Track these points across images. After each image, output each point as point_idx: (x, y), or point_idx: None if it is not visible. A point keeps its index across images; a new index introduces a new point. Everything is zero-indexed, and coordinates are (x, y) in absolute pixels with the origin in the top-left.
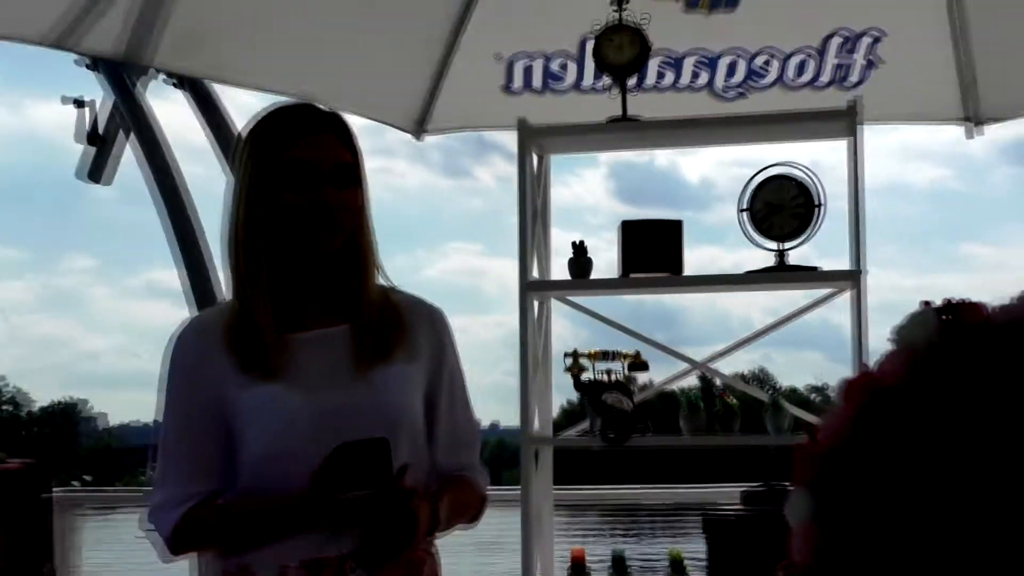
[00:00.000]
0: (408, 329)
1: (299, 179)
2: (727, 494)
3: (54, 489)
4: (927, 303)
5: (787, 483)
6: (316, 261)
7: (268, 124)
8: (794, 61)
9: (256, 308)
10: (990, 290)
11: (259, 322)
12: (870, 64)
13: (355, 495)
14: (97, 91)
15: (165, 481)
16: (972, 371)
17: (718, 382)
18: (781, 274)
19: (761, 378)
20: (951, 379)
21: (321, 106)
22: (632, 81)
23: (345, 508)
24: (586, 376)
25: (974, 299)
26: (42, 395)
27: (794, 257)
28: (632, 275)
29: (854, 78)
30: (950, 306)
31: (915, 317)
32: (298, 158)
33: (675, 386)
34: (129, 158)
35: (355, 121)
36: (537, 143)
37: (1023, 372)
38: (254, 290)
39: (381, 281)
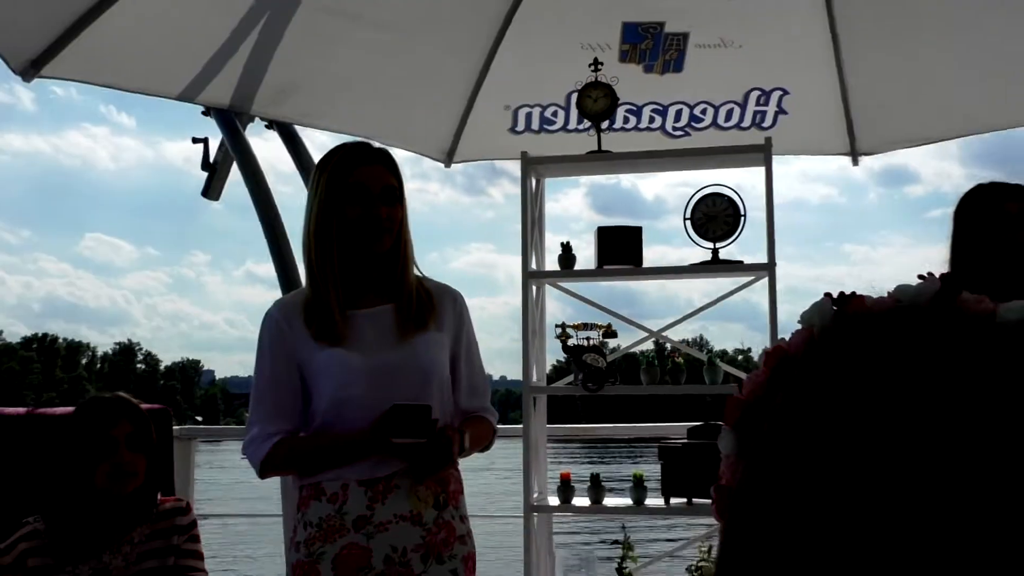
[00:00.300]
0: (437, 307)
1: (357, 198)
2: (676, 429)
3: (175, 427)
4: (828, 294)
5: (720, 422)
6: (369, 258)
7: (335, 157)
8: (724, 109)
9: (326, 292)
10: (863, 278)
11: (328, 303)
12: (779, 112)
13: (403, 441)
14: (211, 131)
15: (256, 421)
16: (850, 349)
17: (668, 346)
18: (715, 266)
19: (700, 343)
20: (834, 354)
21: (375, 143)
22: (605, 124)
23: (395, 449)
24: (571, 341)
25: (860, 292)
26: (167, 356)
27: (724, 253)
28: (605, 267)
29: (768, 122)
30: (842, 297)
31: (816, 305)
32: (356, 182)
33: (636, 349)
34: (234, 181)
35: (400, 153)
36: (535, 169)
37: (884, 351)
38: (324, 279)
39: (416, 272)
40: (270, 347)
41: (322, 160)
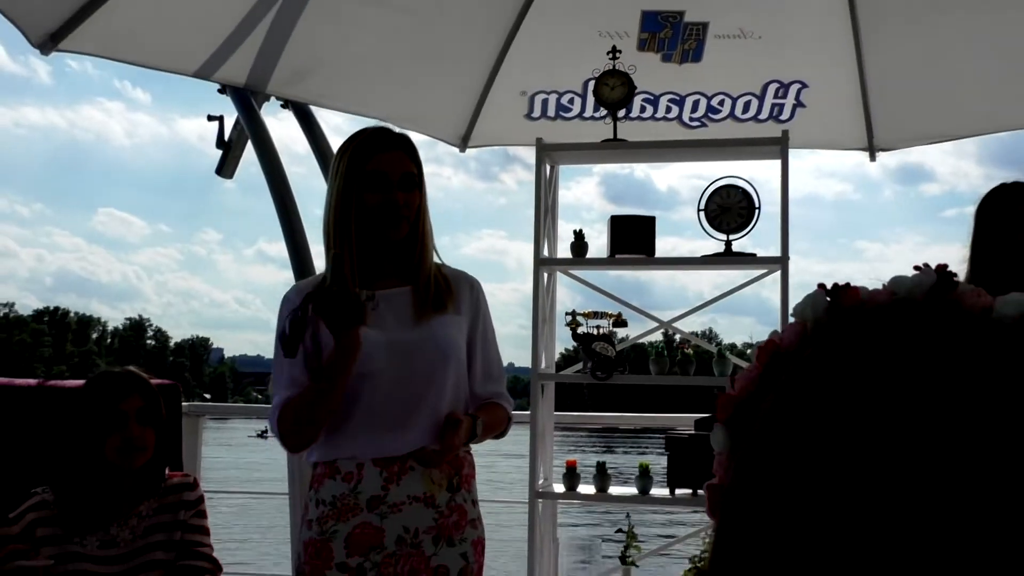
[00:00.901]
0: (455, 292)
1: (375, 184)
2: (683, 420)
3: (184, 403)
4: (822, 285)
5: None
6: (388, 243)
7: (354, 143)
8: (741, 101)
9: (349, 273)
10: (876, 274)
11: (351, 283)
12: (797, 104)
13: (329, 310)
14: (227, 109)
15: (275, 394)
16: (843, 344)
17: (678, 338)
18: (728, 258)
19: (709, 336)
20: (827, 349)
21: (394, 128)
22: (621, 113)
23: (336, 321)
24: (581, 329)
25: (856, 284)
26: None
27: (737, 247)
28: (617, 256)
29: (785, 115)
30: (835, 289)
31: (809, 297)
32: (375, 169)
33: (645, 340)
34: (248, 160)
35: (414, 137)
36: (550, 156)
37: (878, 346)
38: (342, 263)
39: (436, 259)
40: None
41: (342, 146)
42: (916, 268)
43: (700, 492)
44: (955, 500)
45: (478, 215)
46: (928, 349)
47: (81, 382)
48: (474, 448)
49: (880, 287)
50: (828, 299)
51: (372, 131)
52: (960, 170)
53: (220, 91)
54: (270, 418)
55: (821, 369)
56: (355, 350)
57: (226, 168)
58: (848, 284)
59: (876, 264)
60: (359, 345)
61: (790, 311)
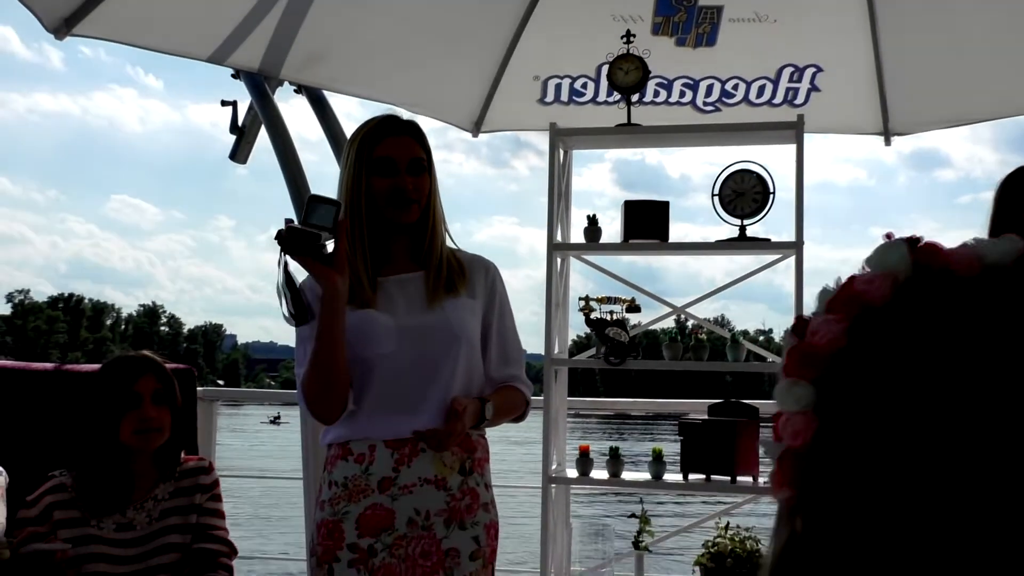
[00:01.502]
0: (468, 275)
1: (384, 169)
2: (696, 406)
3: (197, 388)
4: (904, 239)
5: (743, 400)
6: (399, 228)
7: (364, 130)
8: (756, 85)
9: (355, 260)
10: None
11: (357, 270)
12: (812, 89)
13: (306, 249)
14: (239, 94)
15: (300, 366)
16: (942, 308)
17: (690, 323)
18: (742, 243)
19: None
20: (927, 311)
21: (404, 112)
22: (635, 97)
23: (313, 258)
24: (594, 315)
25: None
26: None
27: (751, 232)
28: (631, 241)
29: (800, 99)
30: (914, 242)
31: (894, 249)
32: (383, 155)
33: (657, 326)
34: (261, 146)
35: (425, 123)
36: (563, 141)
37: (977, 312)
38: (353, 249)
39: (450, 244)
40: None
41: (353, 134)
42: (887, 236)
43: (714, 478)
44: None
45: (490, 202)
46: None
47: (97, 366)
48: (490, 434)
49: (962, 246)
50: (912, 254)
51: (381, 118)
52: (975, 156)
53: (234, 76)
54: (298, 393)
55: (926, 329)
56: (333, 292)
57: (240, 153)
58: (921, 238)
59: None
60: (335, 285)
61: (804, 296)
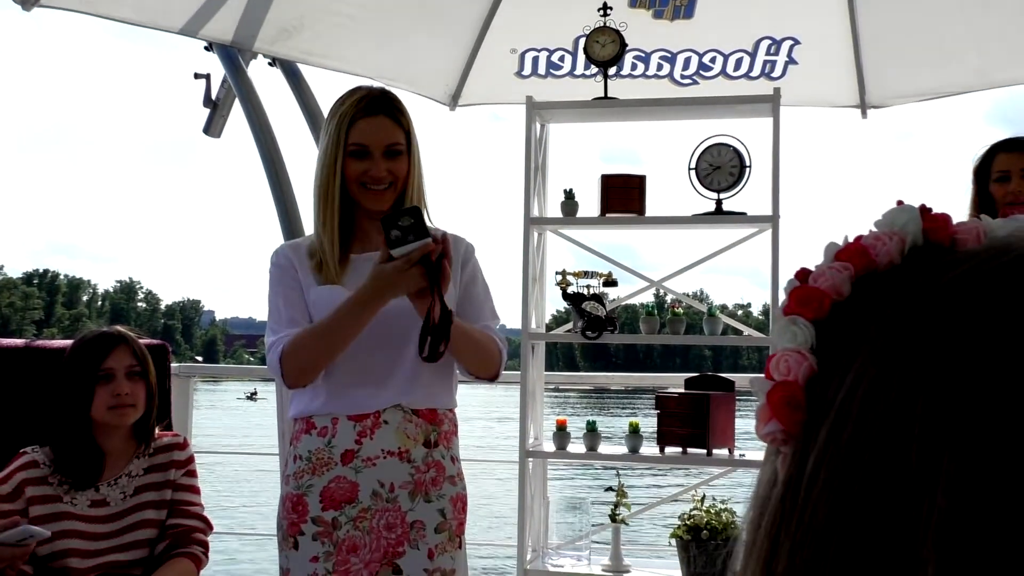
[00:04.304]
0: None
1: (357, 154)
2: (674, 379)
3: (173, 364)
4: (920, 207)
5: (719, 373)
6: (373, 212)
7: (339, 109)
8: (733, 58)
9: (327, 238)
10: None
11: (329, 247)
12: (789, 62)
13: (406, 250)
14: (214, 67)
15: (273, 331)
16: (958, 278)
17: (669, 298)
18: (719, 216)
19: (700, 298)
20: (937, 274)
21: (380, 86)
22: (612, 70)
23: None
24: (571, 289)
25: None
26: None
27: (727, 206)
28: (608, 215)
29: (777, 73)
30: (924, 210)
31: (906, 211)
32: (357, 141)
33: (635, 301)
34: (235, 119)
35: (405, 96)
36: (540, 115)
37: (997, 290)
38: (326, 227)
39: (428, 223)
40: (279, 276)
41: (331, 109)
42: (899, 203)
43: (690, 450)
44: None
45: (466, 175)
46: None
47: (69, 342)
48: (460, 410)
49: (966, 221)
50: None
51: (359, 95)
52: (955, 129)
53: (206, 48)
54: (268, 352)
55: (941, 301)
56: (392, 294)
57: (213, 127)
58: (931, 209)
59: (870, 226)
60: (390, 277)
61: (780, 269)
